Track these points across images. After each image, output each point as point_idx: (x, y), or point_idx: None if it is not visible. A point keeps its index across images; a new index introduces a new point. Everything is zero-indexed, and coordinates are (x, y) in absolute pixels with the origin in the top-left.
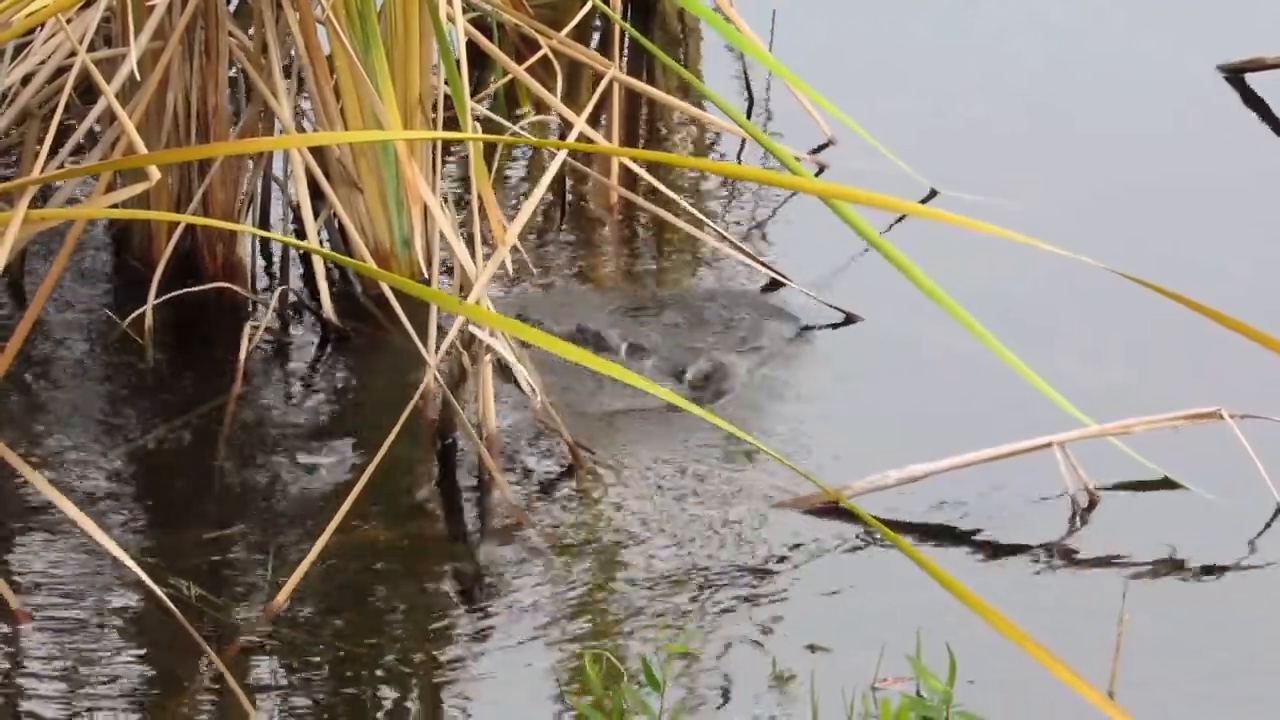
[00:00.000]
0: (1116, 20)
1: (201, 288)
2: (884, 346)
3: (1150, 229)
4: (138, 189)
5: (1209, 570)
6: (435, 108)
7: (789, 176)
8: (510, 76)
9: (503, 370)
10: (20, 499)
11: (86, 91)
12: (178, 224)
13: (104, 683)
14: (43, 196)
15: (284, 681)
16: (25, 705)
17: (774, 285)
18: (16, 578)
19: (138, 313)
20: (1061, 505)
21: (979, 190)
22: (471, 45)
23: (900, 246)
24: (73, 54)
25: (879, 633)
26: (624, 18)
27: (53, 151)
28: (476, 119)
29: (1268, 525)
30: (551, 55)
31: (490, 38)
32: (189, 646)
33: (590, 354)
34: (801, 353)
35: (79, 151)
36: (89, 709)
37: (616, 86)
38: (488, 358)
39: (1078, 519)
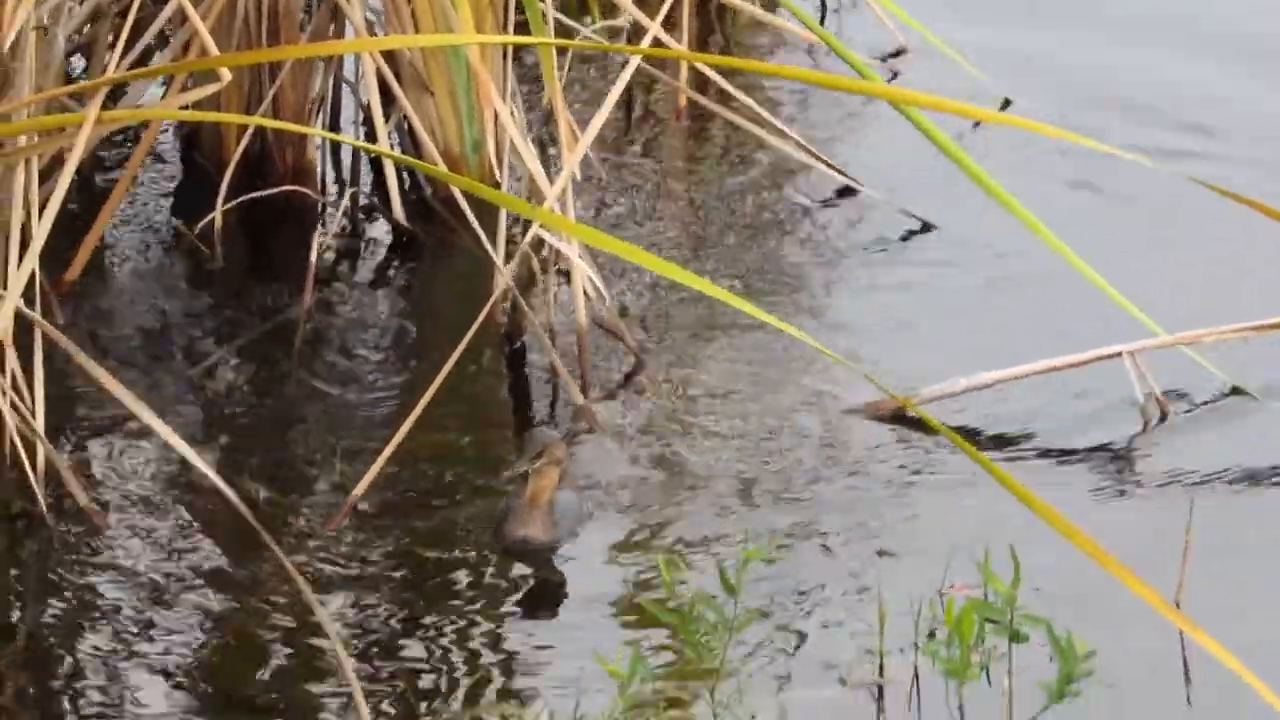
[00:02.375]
0: None
1: (271, 191)
2: (957, 255)
3: (1225, 135)
4: (208, 90)
5: (1277, 480)
6: (507, 10)
7: (863, 82)
8: None
9: (569, 275)
10: (94, 403)
11: None
12: (248, 126)
13: (175, 581)
14: (112, 97)
15: (352, 581)
16: (98, 606)
17: (847, 191)
18: (90, 479)
19: (207, 219)
20: (1131, 415)
21: (1048, 98)
22: None
23: (975, 155)
24: None
25: (947, 539)
26: None
27: (124, 52)
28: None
29: None
30: None
31: None
32: (260, 547)
33: (659, 259)
34: (874, 260)
35: (150, 52)
36: (161, 608)
37: None
38: (556, 263)
39: (1147, 429)
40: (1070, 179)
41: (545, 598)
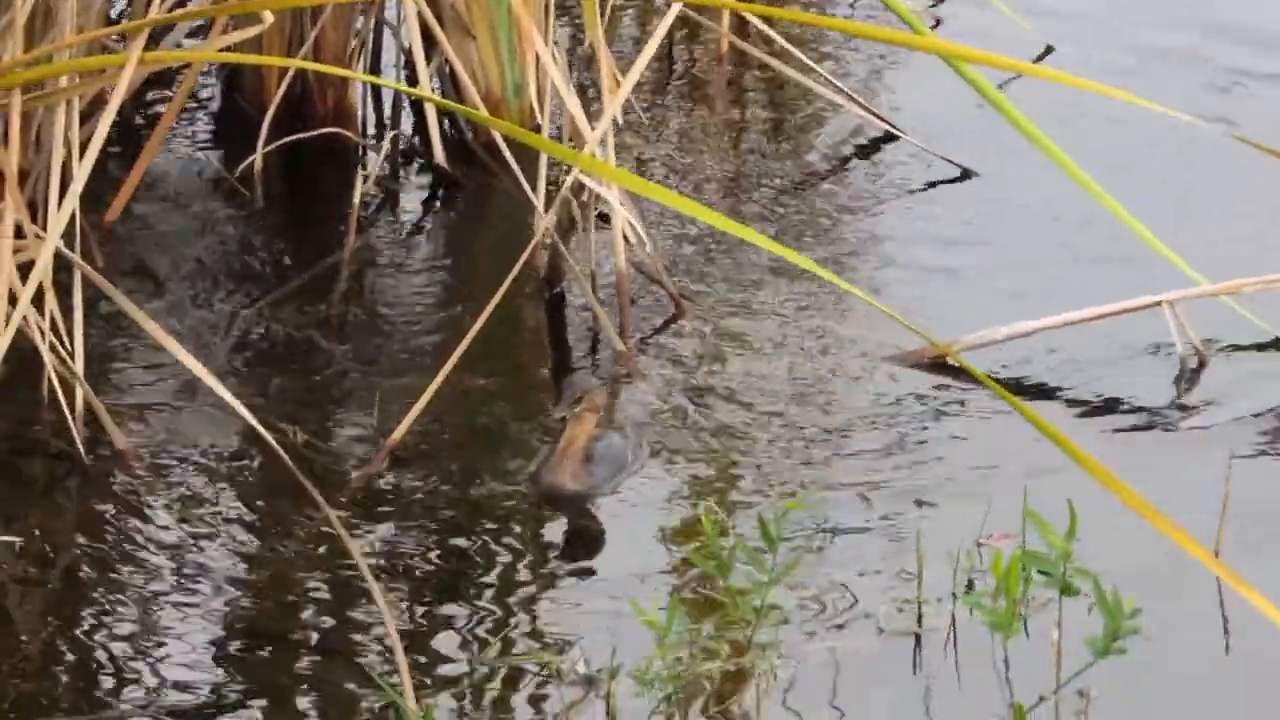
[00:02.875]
0: None
1: (312, 133)
2: (998, 202)
3: (1267, 91)
4: (250, 33)
5: None
6: None
7: (907, 34)
8: None
9: (608, 220)
10: (132, 345)
11: None
12: (289, 69)
13: (212, 524)
14: (154, 39)
15: (389, 525)
16: (135, 547)
17: (888, 138)
18: (126, 420)
19: (248, 161)
20: (1171, 365)
21: (1092, 46)
22: None
23: (1018, 102)
24: None
25: (985, 488)
26: None
27: None
28: None
29: None
30: None
31: None
32: (297, 490)
33: (700, 206)
34: (914, 207)
35: None
36: (197, 550)
37: None
38: (596, 207)
39: (1186, 379)
40: (1115, 127)
41: (583, 545)
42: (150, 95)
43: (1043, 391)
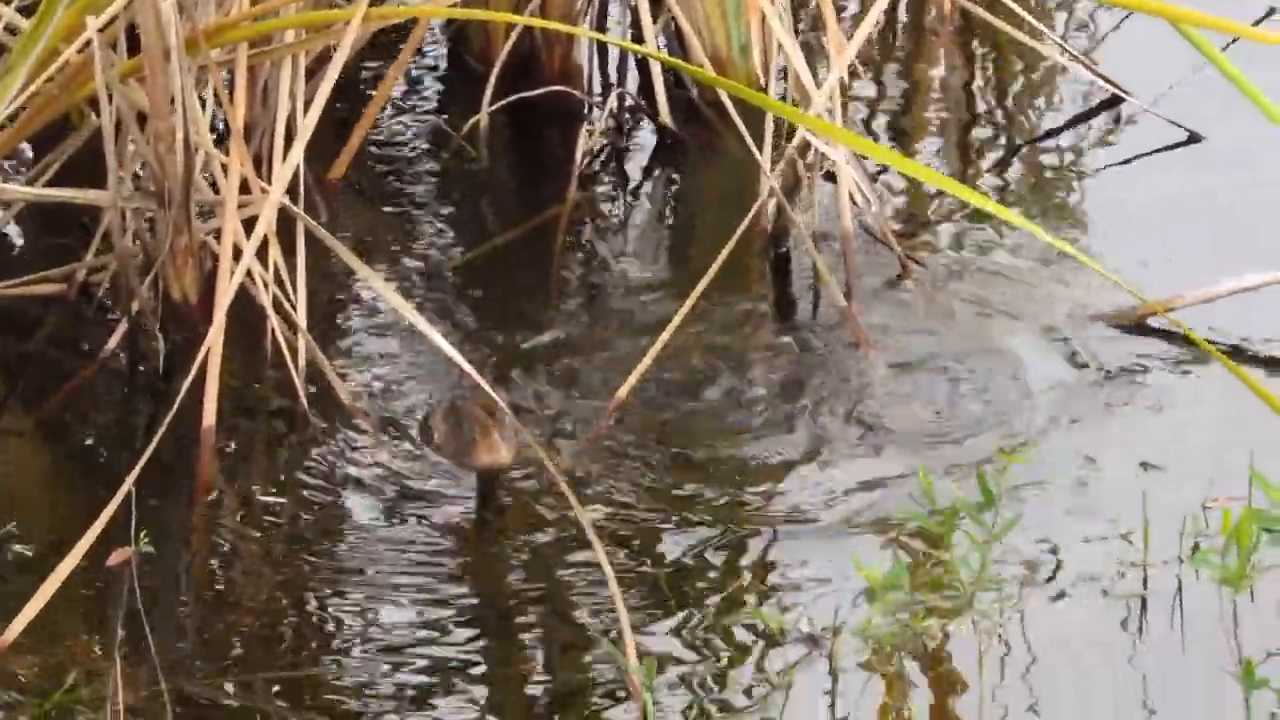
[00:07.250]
0: None
1: (538, 91)
2: (1223, 167)
3: None
4: None
5: None
6: None
7: None
8: None
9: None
10: (356, 301)
11: None
12: (515, 26)
13: (433, 479)
14: None
15: (610, 481)
16: (357, 504)
17: (1114, 100)
18: (353, 378)
19: (473, 120)
20: None
21: None
22: None
23: (1244, 63)
24: None
25: (1209, 451)
26: None
27: None
28: None
29: None
30: None
31: None
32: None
33: (924, 167)
34: (1139, 170)
35: None
36: (419, 506)
37: None
38: (822, 167)
39: None
40: None
41: (805, 503)
42: (376, 51)
43: (1263, 358)
